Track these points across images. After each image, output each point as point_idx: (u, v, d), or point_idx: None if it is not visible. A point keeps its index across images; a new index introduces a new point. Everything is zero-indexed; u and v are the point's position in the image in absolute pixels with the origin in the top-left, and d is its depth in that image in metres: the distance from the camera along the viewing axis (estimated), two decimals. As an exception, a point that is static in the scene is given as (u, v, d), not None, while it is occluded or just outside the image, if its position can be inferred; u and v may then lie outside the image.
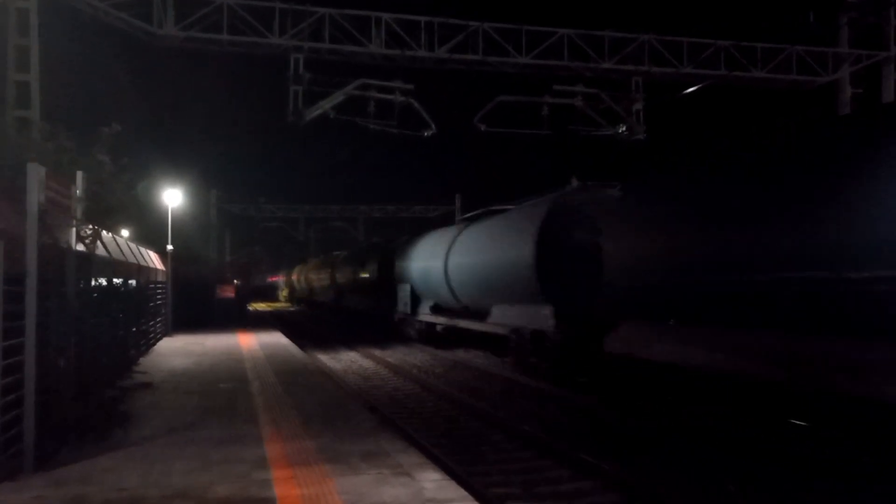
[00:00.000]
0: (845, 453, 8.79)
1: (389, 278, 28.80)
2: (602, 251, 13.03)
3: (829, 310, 8.52)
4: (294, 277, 68.11)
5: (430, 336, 24.99)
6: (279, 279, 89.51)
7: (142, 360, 15.82)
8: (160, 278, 21.64)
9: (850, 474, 8.14)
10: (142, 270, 16.55)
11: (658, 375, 11.90)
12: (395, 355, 22.75)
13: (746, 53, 22.73)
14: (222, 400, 10.75)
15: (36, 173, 6.69)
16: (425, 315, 24.92)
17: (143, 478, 6.50)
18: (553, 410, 12.75)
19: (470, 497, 5.93)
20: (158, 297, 20.83)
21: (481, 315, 19.24)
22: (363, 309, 35.16)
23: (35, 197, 6.63)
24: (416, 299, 26.06)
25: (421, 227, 28.92)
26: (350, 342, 27.26)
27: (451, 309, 22.37)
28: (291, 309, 64.83)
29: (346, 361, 21.76)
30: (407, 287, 26.49)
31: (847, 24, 23.18)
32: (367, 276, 33.79)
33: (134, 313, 14.98)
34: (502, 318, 17.87)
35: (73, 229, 8.29)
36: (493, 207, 21.34)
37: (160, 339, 21.00)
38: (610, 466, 8.55)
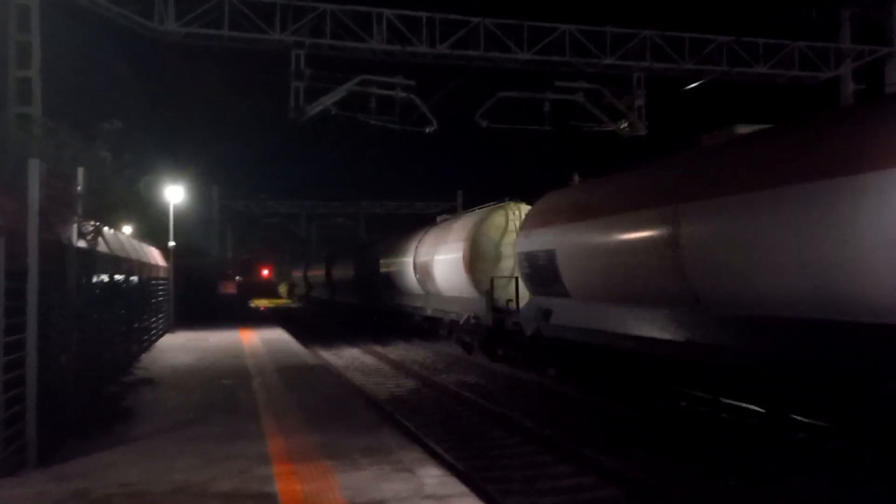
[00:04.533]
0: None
1: (377, 274, 29.50)
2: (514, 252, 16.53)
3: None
4: (295, 274, 68.44)
5: (411, 325, 26.45)
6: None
7: (144, 356, 15.85)
8: (162, 274, 21.65)
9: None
10: (143, 267, 16.56)
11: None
12: (397, 352, 22.77)
13: (748, 49, 22.60)
14: (224, 396, 10.78)
15: (37, 169, 6.68)
16: (403, 306, 26.76)
17: (145, 473, 6.52)
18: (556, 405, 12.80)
19: (470, 493, 5.94)
20: (160, 293, 20.85)
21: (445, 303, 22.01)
22: (355, 303, 36.27)
23: (36, 193, 6.62)
24: (398, 292, 27.09)
25: (422, 224, 29.07)
26: (350, 338, 27.29)
27: (423, 299, 24.17)
28: (292, 305, 64.98)
29: (347, 357, 21.78)
30: (392, 281, 27.50)
31: (849, 19, 23.08)
32: (358, 273, 34.43)
33: (135, 310, 14.99)
34: (448, 305, 21.28)
35: (75, 225, 8.29)
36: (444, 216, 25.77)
37: (162, 335, 21.03)
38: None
